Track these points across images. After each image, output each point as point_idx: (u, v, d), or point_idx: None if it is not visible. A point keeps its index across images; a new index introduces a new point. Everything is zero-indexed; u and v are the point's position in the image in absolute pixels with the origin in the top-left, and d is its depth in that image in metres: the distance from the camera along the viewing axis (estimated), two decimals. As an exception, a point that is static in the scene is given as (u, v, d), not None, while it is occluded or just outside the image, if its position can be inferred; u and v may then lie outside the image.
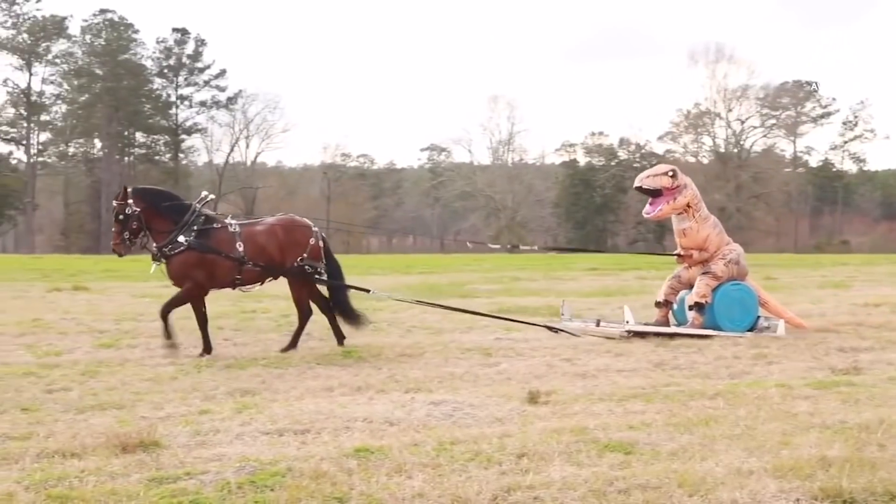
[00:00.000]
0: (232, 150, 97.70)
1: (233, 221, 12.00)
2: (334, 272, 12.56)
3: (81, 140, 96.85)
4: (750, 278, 14.55)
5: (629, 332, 13.38)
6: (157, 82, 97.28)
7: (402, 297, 14.41)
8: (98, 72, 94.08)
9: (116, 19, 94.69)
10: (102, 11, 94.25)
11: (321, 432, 7.37)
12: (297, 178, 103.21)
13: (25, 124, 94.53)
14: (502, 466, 6.31)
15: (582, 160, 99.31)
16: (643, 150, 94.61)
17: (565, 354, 11.73)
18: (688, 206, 14.11)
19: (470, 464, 6.37)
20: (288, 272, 12.06)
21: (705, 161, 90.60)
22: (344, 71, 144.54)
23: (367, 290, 13.27)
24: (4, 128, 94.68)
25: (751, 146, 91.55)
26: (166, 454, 6.61)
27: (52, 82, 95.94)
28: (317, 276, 12.26)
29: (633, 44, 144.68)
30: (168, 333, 11.65)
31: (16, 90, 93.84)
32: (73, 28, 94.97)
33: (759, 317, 14.09)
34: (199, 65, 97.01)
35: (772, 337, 13.30)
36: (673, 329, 13.79)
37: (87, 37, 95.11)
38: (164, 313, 11.66)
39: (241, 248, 11.68)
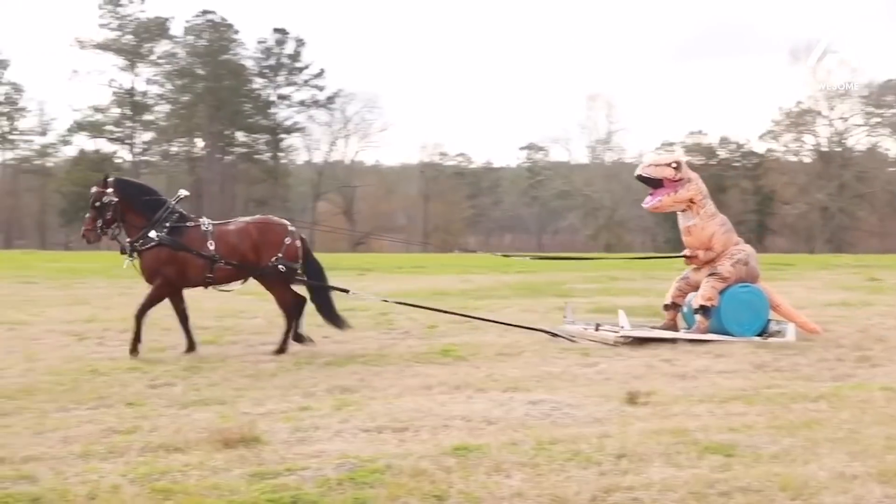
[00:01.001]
0: (331, 149, 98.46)
1: (206, 220, 11.92)
2: (315, 273, 12.34)
3: (183, 139, 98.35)
4: (761, 281, 13.88)
5: (624, 337, 12.83)
6: (258, 82, 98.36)
7: (383, 298, 14.22)
8: (200, 72, 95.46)
9: (218, 20, 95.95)
10: (204, 12, 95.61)
11: (420, 430, 7.40)
12: (395, 177, 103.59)
13: (129, 124, 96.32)
14: (601, 467, 6.28)
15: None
16: (743, 150, 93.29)
17: (665, 355, 11.62)
18: (691, 201, 13.49)
19: (569, 464, 6.35)
20: (263, 272, 11.88)
21: (807, 160, 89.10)
22: (442, 69, 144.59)
23: (346, 291, 13.00)
24: (109, 127, 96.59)
25: (854, 145, 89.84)
26: (267, 450, 6.69)
27: (155, 82, 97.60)
28: (297, 277, 12.13)
29: (738, 41, 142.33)
30: (137, 336, 11.56)
31: (120, 90, 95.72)
32: (176, 29, 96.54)
33: (769, 320, 13.48)
34: (299, 64, 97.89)
35: (781, 342, 12.69)
36: (672, 334, 13.19)
37: (190, 38, 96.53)
38: (139, 315, 11.62)
39: (212, 247, 11.59)
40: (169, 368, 10.38)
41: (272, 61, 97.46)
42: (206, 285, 11.89)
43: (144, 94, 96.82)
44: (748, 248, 13.75)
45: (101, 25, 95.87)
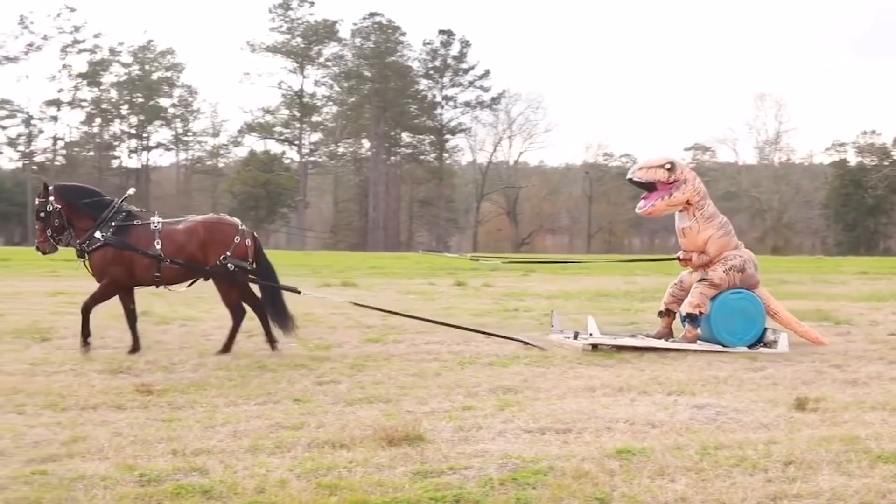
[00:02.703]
0: (495, 149, 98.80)
1: (155, 219, 11.77)
2: (266, 272, 12.14)
3: (350, 140, 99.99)
4: (761, 288, 13.12)
5: (592, 345, 12.09)
6: (423, 83, 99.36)
7: (340, 299, 13.96)
8: (367, 74, 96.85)
9: (385, 22, 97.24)
10: (371, 15, 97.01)
11: (583, 432, 7.36)
12: (559, 178, 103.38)
13: (298, 125, 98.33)
14: (768, 473, 6.15)
15: (853, 160, 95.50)
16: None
17: (835, 360, 11.32)
18: (688, 203, 12.75)
19: (734, 469, 6.24)
20: (211, 272, 11.71)
21: None
22: (608, 69, 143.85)
23: (298, 291, 12.62)
24: (279, 128, 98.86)
25: None
26: (430, 448, 6.73)
27: (323, 84, 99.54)
28: (249, 277, 11.98)
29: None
30: (86, 331, 11.53)
31: (289, 92, 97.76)
32: (344, 32, 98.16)
33: (766, 329, 12.74)
34: (464, 66, 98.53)
35: (773, 353, 12.03)
36: (653, 343, 12.49)
37: (357, 40, 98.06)
38: (85, 309, 11.57)
39: (158, 246, 11.46)
40: (335, 366, 10.54)
41: (438, 62, 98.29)
42: (155, 284, 11.79)
43: (313, 95, 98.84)
44: (746, 254, 13.00)
45: (272, 29, 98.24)
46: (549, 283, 26.43)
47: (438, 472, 6.09)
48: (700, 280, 12.61)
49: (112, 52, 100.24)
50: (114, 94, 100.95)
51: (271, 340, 11.87)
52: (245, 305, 12.00)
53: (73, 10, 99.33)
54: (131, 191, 12.51)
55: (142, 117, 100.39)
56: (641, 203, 13.13)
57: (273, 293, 12.04)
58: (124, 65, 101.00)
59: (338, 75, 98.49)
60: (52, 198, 11.55)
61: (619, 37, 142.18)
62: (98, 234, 11.37)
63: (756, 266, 12.96)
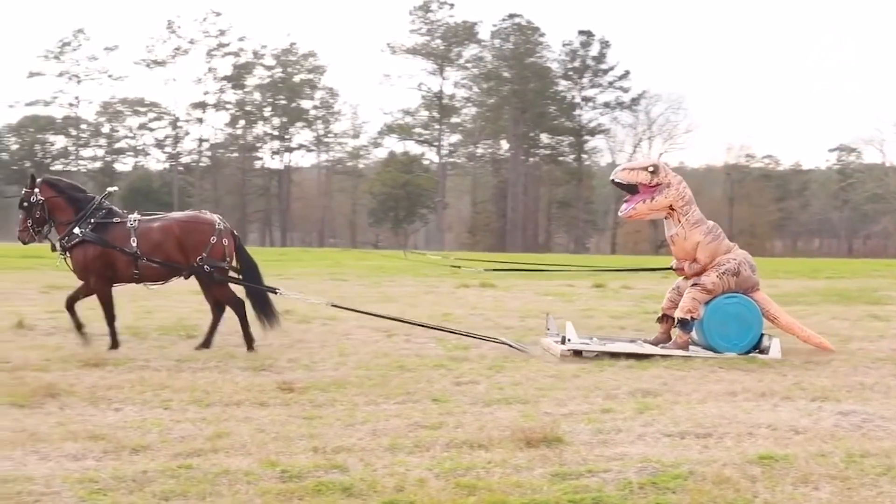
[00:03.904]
0: (635, 150, 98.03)
1: (134, 217, 11.74)
2: (248, 271, 12.03)
3: (489, 141, 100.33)
4: (759, 290, 12.45)
5: (575, 351, 11.65)
6: (562, 84, 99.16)
7: (315, 300, 13.61)
8: (506, 75, 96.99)
9: (524, 23, 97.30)
10: (511, 16, 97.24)
11: (724, 437, 7.24)
12: (700, 179, 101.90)
13: (437, 126, 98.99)
14: (918, 484, 5.97)
15: None
16: None
17: None
18: (671, 208, 12.30)
19: (881, 478, 6.08)
20: (190, 271, 11.70)
21: None
22: (750, 69, 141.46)
23: (275, 291, 12.32)
24: (418, 130, 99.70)
25: None
26: (569, 450, 6.70)
27: (462, 86, 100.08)
28: (227, 276, 11.86)
29: None
30: (114, 340, 11.59)
31: (429, 94, 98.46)
32: (483, 33, 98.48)
33: (763, 335, 12.12)
34: (604, 66, 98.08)
35: (765, 360, 11.47)
36: (634, 348, 11.96)
37: (496, 41, 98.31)
38: (109, 321, 11.63)
39: (134, 244, 11.43)
40: (473, 367, 10.56)
41: (577, 63, 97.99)
42: (135, 282, 11.82)
43: (452, 97, 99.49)
44: (741, 256, 12.40)
45: (412, 31, 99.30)
46: (690, 286, 26.07)
47: (577, 475, 6.06)
48: (693, 285, 12.18)
49: (256, 55, 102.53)
50: (257, 96, 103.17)
51: (248, 339, 11.81)
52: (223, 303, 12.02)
53: (218, 14, 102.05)
54: (113, 188, 12.57)
55: (284, 119, 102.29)
56: (623, 206, 12.74)
57: (255, 291, 12.05)
58: (267, 67, 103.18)
59: (477, 77, 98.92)
60: (37, 189, 11.71)
61: (762, 35, 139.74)
62: (77, 231, 11.47)
63: (753, 268, 12.40)
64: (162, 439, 6.93)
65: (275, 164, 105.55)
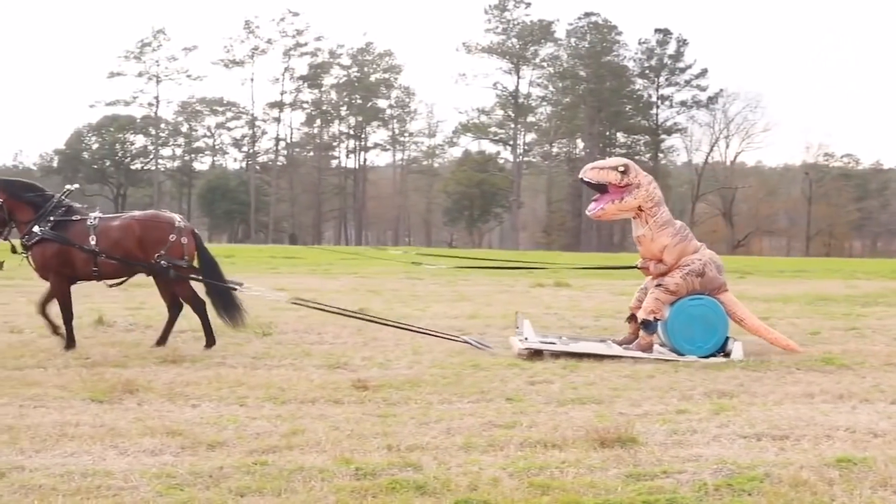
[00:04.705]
0: (711, 149, 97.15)
1: (94, 215, 11.76)
2: (208, 269, 11.96)
3: (564, 140, 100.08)
4: (727, 292, 12.14)
5: (528, 349, 11.44)
6: (639, 83, 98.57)
7: (279, 297, 13.35)
8: (582, 74, 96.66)
9: (600, 22, 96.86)
10: (587, 15, 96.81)
11: (801, 439, 7.16)
12: (778, 179, 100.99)
13: (512, 125, 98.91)
14: None
15: None
16: None
17: None
18: (640, 209, 12.04)
19: (964, 484, 5.96)
20: (148, 269, 11.69)
21: None
22: (829, 66, 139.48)
23: (241, 284, 12.28)
24: (493, 129, 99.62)
25: None
26: (643, 451, 6.66)
27: (538, 85, 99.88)
28: (187, 274, 11.80)
29: None
30: (70, 342, 11.53)
31: (504, 93, 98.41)
32: (559, 32, 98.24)
33: (728, 338, 11.77)
34: (681, 65, 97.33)
35: (726, 362, 11.17)
36: (594, 348, 11.71)
37: (573, 40, 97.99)
38: (65, 320, 11.60)
39: (93, 241, 11.42)
40: (548, 366, 10.53)
41: (654, 62, 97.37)
42: (94, 279, 11.81)
43: (527, 96, 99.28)
44: (706, 256, 12.14)
45: (488, 30, 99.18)
46: (768, 287, 25.81)
47: (651, 476, 6.03)
48: (657, 285, 11.92)
49: (332, 54, 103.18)
50: (333, 95, 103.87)
51: (209, 336, 11.83)
52: (181, 301, 12.01)
53: (296, 14, 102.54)
54: (74, 186, 12.57)
55: (360, 118, 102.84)
56: (591, 205, 12.50)
57: (217, 289, 12.01)
58: (344, 67, 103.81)
59: (553, 75, 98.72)
60: None
61: (841, 32, 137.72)
62: (36, 229, 11.50)
63: (719, 268, 12.14)
64: (238, 436, 7.01)
65: (350, 163, 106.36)
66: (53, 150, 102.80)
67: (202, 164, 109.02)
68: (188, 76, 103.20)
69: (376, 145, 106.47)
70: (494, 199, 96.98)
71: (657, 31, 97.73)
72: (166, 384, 9.00)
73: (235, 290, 12.12)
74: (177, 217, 12.01)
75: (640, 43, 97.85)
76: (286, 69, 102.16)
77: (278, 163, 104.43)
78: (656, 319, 11.74)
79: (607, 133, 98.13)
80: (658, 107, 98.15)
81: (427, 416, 7.79)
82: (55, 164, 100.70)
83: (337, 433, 7.10)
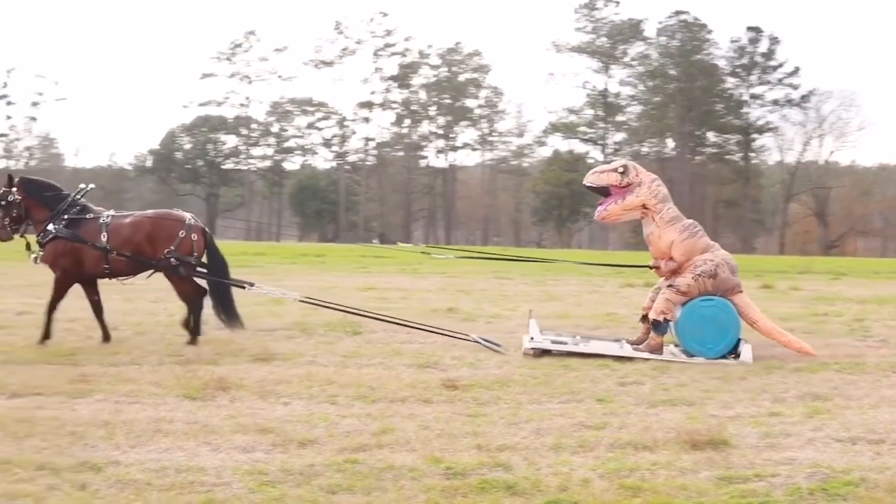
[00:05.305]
0: (804, 149, 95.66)
1: (107, 213, 11.93)
2: (217, 268, 12.08)
3: (654, 139, 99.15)
4: (741, 293, 11.84)
5: (534, 349, 11.31)
6: (730, 81, 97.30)
7: (289, 295, 13.08)
8: (672, 72, 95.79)
9: (690, 20, 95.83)
10: (677, 13, 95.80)
11: (898, 444, 7.05)
12: (873, 178, 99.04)
13: (602, 125, 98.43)
14: None
15: None
16: None
17: None
18: (645, 207, 11.98)
19: None
20: (157, 265, 11.85)
21: None
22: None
23: (252, 284, 12.29)
24: (583, 128, 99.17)
25: None
26: (735, 454, 6.61)
27: (627, 84, 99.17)
28: (196, 271, 11.89)
29: None
30: (47, 330, 11.63)
31: (594, 92, 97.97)
32: (649, 30, 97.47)
33: (740, 340, 11.46)
34: (773, 63, 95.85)
35: (738, 364, 10.90)
36: (598, 349, 11.58)
37: (662, 38, 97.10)
38: (49, 309, 11.71)
39: (104, 238, 11.56)
40: (638, 367, 10.47)
41: (745, 60, 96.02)
42: (106, 276, 11.93)
43: (617, 95, 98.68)
44: (719, 257, 11.89)
45: (577, 29, 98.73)
46: (862, 288, 25.35)
47: (744, 479, 5.98)
48: (668, 286, 11.75)
49: (421, 54, 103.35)
50: (422, 95, 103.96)
51: (193, 334, 11.91)
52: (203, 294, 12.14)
53: (385, 14, 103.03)
54: (89, 186, 12.62)
55: (449, 118, 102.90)
56: (598, 208, 12.48)
57: (220, 289, 12.15)
58: (433, 67, 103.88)
59: (643, 74, 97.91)
60: (14, 188, 12.00)
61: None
62: (50, 227, 11.73)
63: (733, 269, 11.88)
64: (328, 434, 7.08)
65: (439, 162, 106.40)
66: (148, 150, 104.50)
67: (292, 163, 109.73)
68: (279, 77, 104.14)
69: (465, 145, 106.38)
70: (584, 198, 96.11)
71: (749, 29, 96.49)
72: (258, 382, 9.11)
73: (244, 288, 12.29)
74: (188, 215, 12.21)
75: (731, 41, 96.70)
76: (376, 69, 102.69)
77: (368, 162, 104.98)
78: (666, 320, 11.61)
79: (697, 132, 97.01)
80: (749, 105, 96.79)
81: (517, 416, 7.80)
82: (149, 164, 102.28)
83: (427, 432, 7.14)
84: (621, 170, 12.09)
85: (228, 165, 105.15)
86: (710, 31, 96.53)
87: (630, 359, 10.99)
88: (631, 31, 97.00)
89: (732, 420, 7.79)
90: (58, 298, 11.88)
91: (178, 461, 6.24)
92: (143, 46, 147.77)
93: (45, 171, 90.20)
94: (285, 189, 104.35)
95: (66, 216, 11.86)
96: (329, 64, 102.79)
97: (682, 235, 11.91)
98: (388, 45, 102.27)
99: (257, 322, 12.88)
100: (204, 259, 12.14)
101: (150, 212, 12.48)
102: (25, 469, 6.01)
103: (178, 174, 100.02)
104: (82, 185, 12.48)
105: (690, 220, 12.25)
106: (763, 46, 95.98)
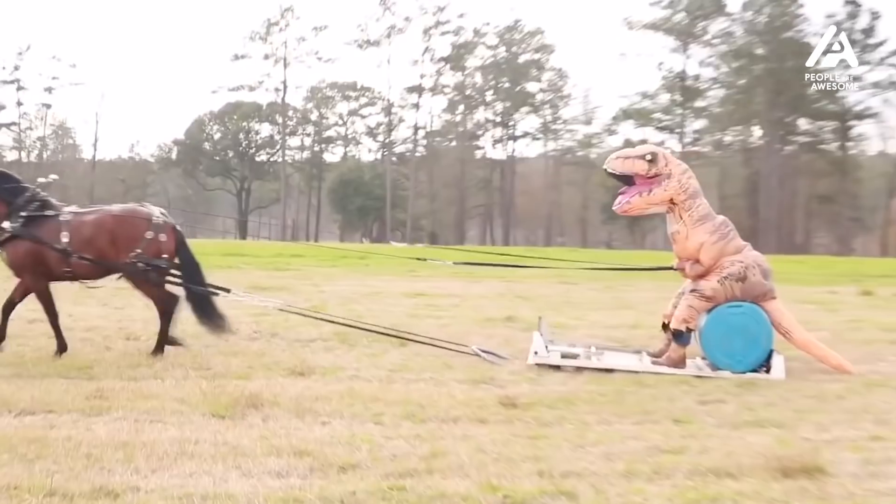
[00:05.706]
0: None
1: (70, 209, 11.72)
2: (189, 271, 11.89)
3: (739, 127, 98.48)
4: (774, 300, 11.57)
5: (538, 364, 11.25)
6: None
7: (264, 300, 12.88)
8: (759, 52, 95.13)
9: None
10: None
11: None
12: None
13: (679, 111, 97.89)
14: None
15: None
16: None
17: None
18: (672, 202, 11.81)
19: None
20: (122, 268, 11.56)
21: None
22: None
23: (228, 291, 12.20)
24: (658, 115, 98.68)
25: None
26: (832, 482, 6.55)
27: (708, 65, 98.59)
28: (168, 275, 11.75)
29: None
30: (62, 343, 11.61)
31: (670, 75, 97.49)
32: (733, 5, 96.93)
33: (772, 351, 11.20)
34: (873, 41, 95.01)
35: (764, 379, 10.76)
36: (612, 363, 11.49)
37: (748, 14, 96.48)
38: (51, 320, 11.68)
39: (65, 239, 11.36)
40: (720, 384, 10.41)
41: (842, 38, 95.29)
42: (68, 279, 11.79)
43: (696, 77, 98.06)
44: (751, 258, 11.70)
45: (652, 4, 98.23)
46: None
47: (842, 511, 5.91)
48: (691, 290, 11.62)
49: (477, 33, 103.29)
50: (478, 78, 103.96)
51: (171, 341, 11.88)
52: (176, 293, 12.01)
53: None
54: (52, 177, 12.71)
55: (507, 104, 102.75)
56: (618, 199, 12.37)
57: (197, 294, 11.98)
58: (490, 47, 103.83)
59: (726, 54, 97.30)
60: None
61: None
62: (6, 225, 11.57)
63: (766, 273, 11.65)
64: (373, 457, 7.08)
65: (497, 153, 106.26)
66: (172, 140, 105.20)
67: (333, 154, 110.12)
68: (318, 58, 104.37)
69: (526, 134, 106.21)
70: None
71: (846, 2, 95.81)
72: (294, 399, 9.11)
73: (217, 295, 12.21)
74: (156, 211, 12.03)
75: (826, 17, 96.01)
76: (426, 50, 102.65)
77: (417, 153, 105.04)
78: (689, 330, 11.49)
79: (787, 119, 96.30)
80: (847, 89, 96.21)
81: (583, 439, 7.77)
82: (174, 155, 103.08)
83: (482, 456, 7.12)
84: (649, 157, 11.96)
85: (262, 157, 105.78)
86: (801, 6, 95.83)
87: (709, 376, 10.92)
88: (712, 5, 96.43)
89: (829, 444, 7.72)
90: (48, 305, 11.84)
91: (205, 487, 6.26)
92: (167, 25, 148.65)
93: (59, 164, 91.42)
94: (325, 183, 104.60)
95: (23, 213, 11.69)
96: (374, 44, 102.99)
97: (712, 237, 11.75)
98: (439, 23, 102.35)
99: (293, 332, 12.90)
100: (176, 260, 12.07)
101: (115, 207, 12.27)
102: (35, 495, 6.06)
103: (206, 167, 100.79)
104: (41, 179, 12.49)
105: (721, 218, 12.11)
106: (863, 22, 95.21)
